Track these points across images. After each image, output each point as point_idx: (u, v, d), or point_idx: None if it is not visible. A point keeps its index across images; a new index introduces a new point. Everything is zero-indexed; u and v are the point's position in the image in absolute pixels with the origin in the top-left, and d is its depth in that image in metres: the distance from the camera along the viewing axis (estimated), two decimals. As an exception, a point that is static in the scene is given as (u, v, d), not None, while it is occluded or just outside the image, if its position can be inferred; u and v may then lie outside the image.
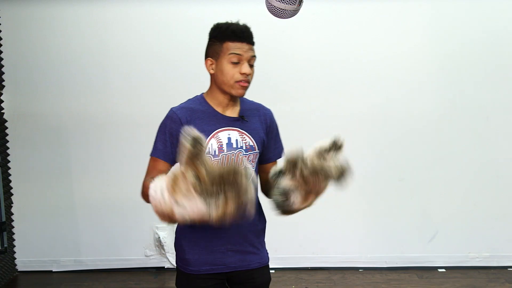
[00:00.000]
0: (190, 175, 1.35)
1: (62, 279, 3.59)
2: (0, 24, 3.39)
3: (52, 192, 3.61)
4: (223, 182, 1.33)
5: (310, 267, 3.69)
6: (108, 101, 3.52)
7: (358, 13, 3.45)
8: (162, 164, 1.72)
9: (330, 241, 3.65)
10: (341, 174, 1.54)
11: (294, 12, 1.85)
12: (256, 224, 1.83)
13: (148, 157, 1.78)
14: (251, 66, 1.71)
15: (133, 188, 3.57)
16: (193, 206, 1.37)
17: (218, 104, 1.75)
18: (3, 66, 3.42)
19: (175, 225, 1.79)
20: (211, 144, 1.71)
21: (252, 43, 1.71)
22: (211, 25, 1.73)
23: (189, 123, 1.68)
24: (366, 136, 3.57)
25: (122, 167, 3.57)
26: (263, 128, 1.82)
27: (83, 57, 3.47)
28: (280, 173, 1.59)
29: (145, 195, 1.62)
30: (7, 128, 3.51)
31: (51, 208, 3.62)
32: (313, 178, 1.53)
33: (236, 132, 1.75)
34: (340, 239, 3.65)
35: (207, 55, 1.74)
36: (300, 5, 1.83)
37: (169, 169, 1.64)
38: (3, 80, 3.44)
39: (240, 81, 1.68)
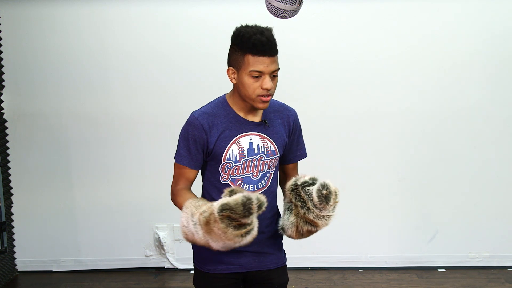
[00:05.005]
0: (224, 225, 1.41)
1: (62, 279, 3.60)
2: (0, 24, 3.39)
3: (52, 192, 3.61)
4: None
5: (310, 267, 3.69)
6: (108, 101, 3.52)
7: (358, 13, 3.45)
8: (188, 171, 1.73)
9: (330, 241, 3.64)
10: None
11: (294, 12, 1.84)
12: (273, 225, 1.83)
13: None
14: (274, 77, 1.65)
15: (133, 188, 3.61)
16: (229, 244, 1.47)
17: (240, 108, 1.72)
18: (3, 66, 3.42)
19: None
20: (232, 150, 1.70)
21: (275, 54, 1.62)
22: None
23: (211, 128, 1.68)
24: (366, 136, 3.57)
25: (122, 167, 3.58)
26: (285, 130, 1.80)
27: (83, 57, 3.47)
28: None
29: (176, 201, 1.72)
30: (7, 128, 3.51)
31: (51, 208, 3.62)
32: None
33: (257, 137, 1.74)
34: (340, 239, 3.64)
35: (229, 63, 1.69)
36: (300, 5, 1.82)
37: (195, 175, 1.76)
38: (3, 80, 3.44)
39: (262, 95, 1.63)
